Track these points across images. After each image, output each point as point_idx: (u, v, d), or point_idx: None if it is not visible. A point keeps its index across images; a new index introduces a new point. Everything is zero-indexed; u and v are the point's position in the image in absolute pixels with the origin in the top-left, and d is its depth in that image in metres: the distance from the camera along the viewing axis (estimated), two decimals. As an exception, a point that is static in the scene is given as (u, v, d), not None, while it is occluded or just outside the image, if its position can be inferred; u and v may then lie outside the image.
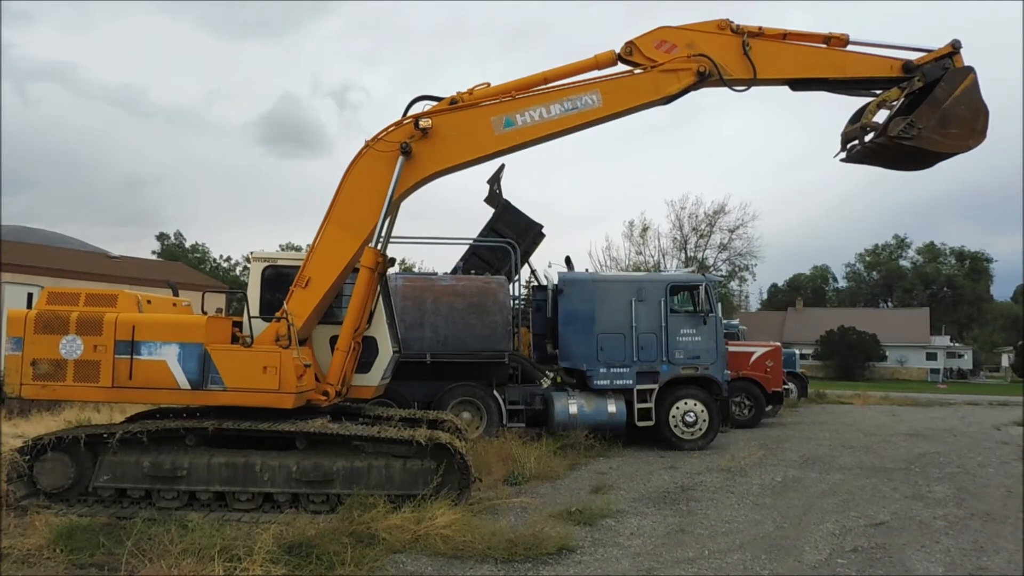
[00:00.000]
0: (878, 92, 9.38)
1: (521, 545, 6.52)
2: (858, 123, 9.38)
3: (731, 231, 53.76)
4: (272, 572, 5.70)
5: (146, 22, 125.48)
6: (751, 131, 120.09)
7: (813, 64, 9.31)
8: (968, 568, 6.45)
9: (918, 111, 8.95)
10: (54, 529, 6.58)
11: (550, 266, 15.76)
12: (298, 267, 8.50)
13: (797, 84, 9.45)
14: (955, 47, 9.27)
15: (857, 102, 9.61)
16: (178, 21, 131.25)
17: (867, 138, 9.34)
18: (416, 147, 8.37)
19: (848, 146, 9.61)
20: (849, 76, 9.36)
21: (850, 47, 9.42)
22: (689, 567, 6.36)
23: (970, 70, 9.11)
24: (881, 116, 9.30)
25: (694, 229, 53.95)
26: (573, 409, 12.83)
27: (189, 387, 7.77)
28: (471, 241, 15.39)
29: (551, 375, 14.82)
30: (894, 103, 9.34)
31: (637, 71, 9.05)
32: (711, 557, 6.65)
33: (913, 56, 9.31)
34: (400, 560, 6.34)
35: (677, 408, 13.21)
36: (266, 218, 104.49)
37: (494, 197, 15.57)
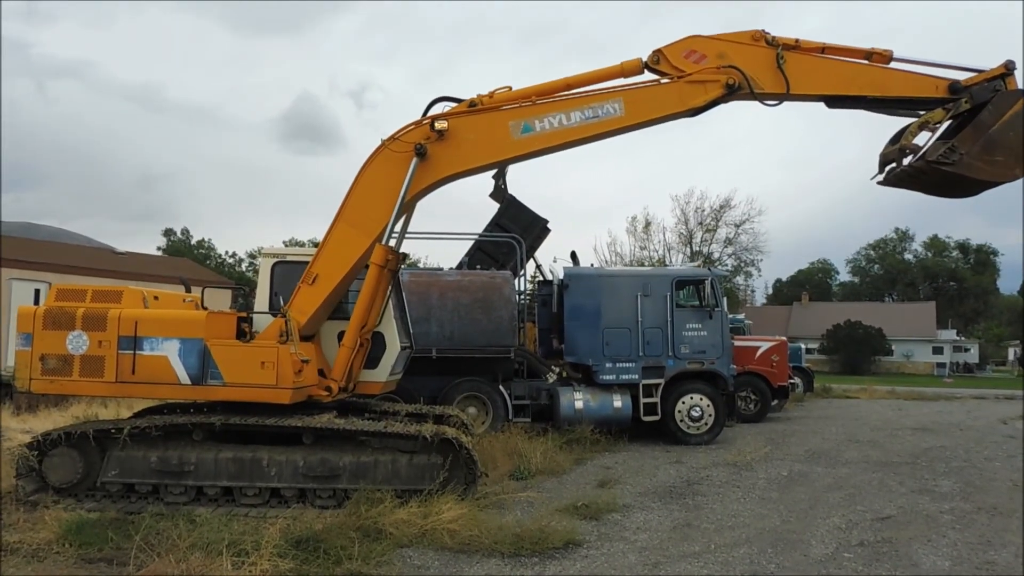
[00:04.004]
0: (922, 113, 8.76)
1: (527, 539, 6.54)
2: (897, 145, 8.76)
3: (737, 226, 53.64)
4: (279, 566, 5.73)
5: (167, 19, 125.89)
6: (761, 126, 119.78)
7: (851, 80, 8.73)
8: (975, 562, 6.44)
9: (961, 135, 8.39)
10: (63, 524, 6.63)
11: (555, 261, 15.77)
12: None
13: (833, 101, 8.91)
14: (1008, 68, 8.60)
15: (898, 122, 8.98)
16: (200, 18, 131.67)
17: (906, 161, 8.75)
18: (432, 149, 8.23)
19: (886, 168, 9.00)
20: (890, 95, 8.76)
21: (893, 64, 8.84)
22: (695, 561, 6.37)
23: (1022, 93, 8.48)
24: (923, 138, 8.71)
25: (699, 224, 53.81)
26: (579, 404, 12.83)
27: (189, 382, 7.81)
28: (476, 236, 15.37)
29: (557, 370, 14.82)
30: (938, 125, 8.72)
31: (663, 81, 8.69)
32: (717, 551, 6.66)
33: (961, 76, 8.69)
34: (407, 554, 6.37)
35: (683, 403, 13.20)
36: (277, 215, 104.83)
37: (499, 192, 15.46)
